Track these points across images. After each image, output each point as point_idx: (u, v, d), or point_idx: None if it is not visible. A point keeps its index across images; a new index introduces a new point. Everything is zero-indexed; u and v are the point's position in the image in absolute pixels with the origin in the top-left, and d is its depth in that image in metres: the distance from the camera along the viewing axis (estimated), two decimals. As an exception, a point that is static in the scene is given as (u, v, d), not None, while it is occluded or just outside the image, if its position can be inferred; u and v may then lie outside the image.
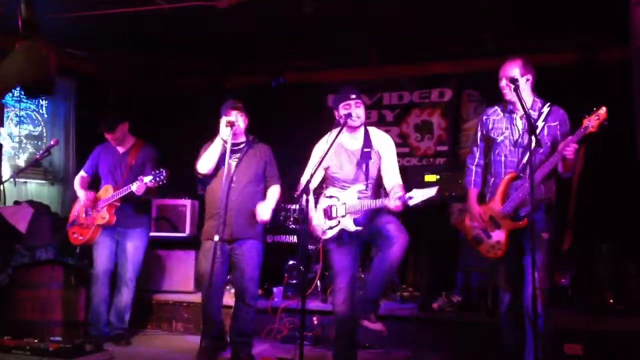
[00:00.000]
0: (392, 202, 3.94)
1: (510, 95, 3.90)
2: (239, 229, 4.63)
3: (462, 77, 7.20)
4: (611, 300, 5.37)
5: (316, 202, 4.35)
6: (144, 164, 5.32)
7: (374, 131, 4.35)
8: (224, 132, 4.58)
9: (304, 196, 3.92)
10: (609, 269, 5.55)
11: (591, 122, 3.65)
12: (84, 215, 5.32)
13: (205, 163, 4.67)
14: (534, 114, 3.92)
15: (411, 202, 3.91)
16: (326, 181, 4.42)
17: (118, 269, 5.35)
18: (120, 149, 5.43)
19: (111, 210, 5.22)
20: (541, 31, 6.06)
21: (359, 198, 4.16)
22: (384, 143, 4.29)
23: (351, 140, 4.29)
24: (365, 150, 4.22)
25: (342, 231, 4.20)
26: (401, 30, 6.26)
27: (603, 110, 3.65)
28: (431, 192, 3.90)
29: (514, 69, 3.90)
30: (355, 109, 4.17)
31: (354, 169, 4.23)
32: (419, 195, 3.91)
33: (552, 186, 3.97)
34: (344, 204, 4.18)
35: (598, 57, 6.38)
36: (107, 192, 5.27)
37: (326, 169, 4.34)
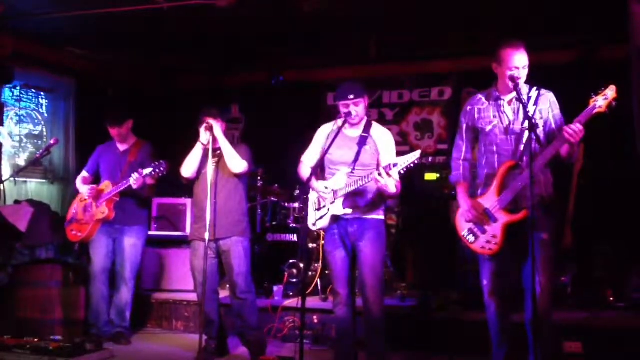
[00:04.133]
0: (376, 173, 3.87)
1: (521, 85, 3.71)
2: (223, 229, 4.74)
3: (461, 76, 7.21)
4: (611, 298, 5.37)
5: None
6: (143, 161, 5.31)
7: (375, 125, 4.36)
8: (203, 136, 4.74)
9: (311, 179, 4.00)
10: (609, 266, 5.56)
11: (599, 102, 3.43)
12: (82, 212, 5.32)
13: (187, 168, 4.84)
14: (523, 98, 3.73)
15: (396, 169, 3.83)
16: (323, 172, 4.43)
17: (116, 267, 5.35)
18: (121, 147, 5.45)
19: (110, 205, 5.21)
20: (541, 28, 6.05)
21: (347, 180, 4.15)
22: (382, 135, 4.28)
23: (352, 130, 4.30)
24: (362, 135, 4.23)
25: (332, 220, 4.20)
26: (401, 28, 6.27)
27: (612, 89, 3.41)
28: (414, 155, 3.78)
29: (524, 57, 3.70)
30: (354, 108, 4.17)
31: (347, 152, 4.22)
32: (402, 161, 3.81)
33: (550, 180, 3.78)
34: (332, 190, 4.20)
35: (598, 54, 6.38)
36: (106, 187, 5.28)
37: (324, 153, 4.34)
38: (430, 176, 6.19)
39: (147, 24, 5.99)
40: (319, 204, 4.29)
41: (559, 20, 5.83)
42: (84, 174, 5.53)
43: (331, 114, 7.44)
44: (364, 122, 4.29)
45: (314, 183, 4.33)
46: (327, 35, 6.46)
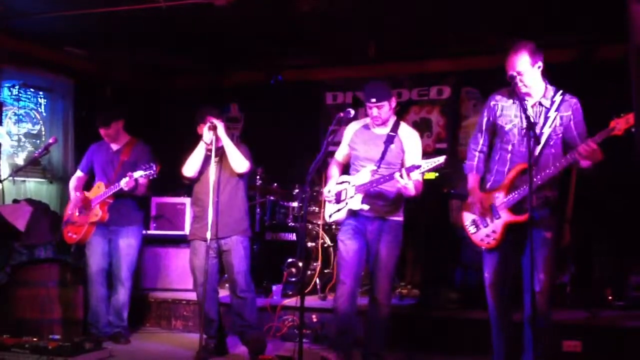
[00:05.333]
0: (397, 174, 3.95)
1: (524, 89, 3.73)
2: (225, 228, 4.76)
3: (460, 75, 7.22)
4: (610, 297, 5.37)
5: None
6: (137, 161, 5.27)
7: (404, 124, 4.44)
8: (207, 136, 4.74)
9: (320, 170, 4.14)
10: (608, 265, 5.55)
11: (619, 125, 3.46)
12: (77, 214, 5.30)
13: (190, 167, 4.84)
14: (547, 102, 3.77)
15: (418, 171, 3.92)
16: (350, 167, 4.51)
17: (113, 268, 5.32)
18: (114, 146, 5.41)
19: (104, 208, 5.19)
20: (540, 28, 6.05)
21: (371, 177, 4.21)
22: (409, 136, 4.36)
23: (379, 128, 4.39)
24: (390, 134, 4.31)
25: (349, 214, 4.28)
26: (400, 27, 6.26)
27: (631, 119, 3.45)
28: (438, 160, 3.86)
29: (522, 60, 3.69)
30: (376, 110, 4.26)
31: (373, 149, 4.30)
32: (425, 164, 3.89)
33: (557, 183, 3.84)
34: (354, 185, 4.27)
35: (598, 54, 6.38)
36: (99, 189, 5.25)
37: (350, 149, 4.47)
38: (429, 175, 6.16)
39: (145, 23, 5.98)
40: (339, 197, 4.33)
41: (559, 20, 5.83)
42: (79, 173, 5.51)
43: (330, 114, 7.46)
44: (392, 121, 4.39)
45: (331, 181, 4.45)
46: (326, 34, 6.46)
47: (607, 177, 5.84)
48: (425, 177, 6.19)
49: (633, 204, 5.82)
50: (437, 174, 6.29)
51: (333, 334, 4.47)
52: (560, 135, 3.77)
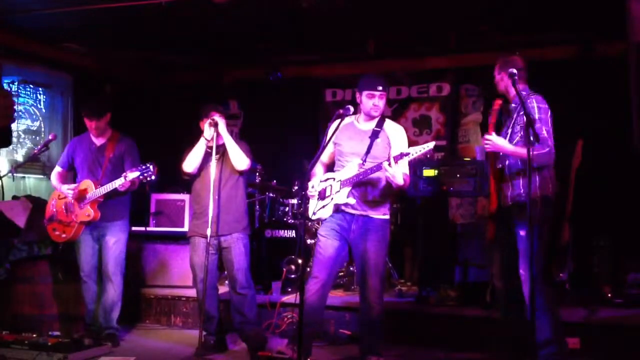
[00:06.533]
0: (385, 163, 3.95)
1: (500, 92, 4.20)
2: (225, 225, 4.76)
3: (460, 72, 7.21)
4: (609, 294, 5.38)
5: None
6: (122, 156, 5.12)
7: (388, 120, 4.43)
8: (208, 132, 4.73)
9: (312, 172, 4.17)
10: (607, 262, 5.56)
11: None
12: (64, 212, 5.09)
13: (190, 163, 4.81)
14: (515, 107, 4.06)
15: (407, 159, 3.94)
16: (334, 164, 4.47)
17: (102, 266, 5.16)
18: (98, 141, 5.19)
19: (94, 206, 4.98)
20: (540, 25, 6.06)
21: (357, 170, 4.19)
22: (395, 130, 4.35)
23: (365, 124, 4.37)
24: (375, 129, 4.30)
25: (335, 210, 4.24)
26: (399, 24, 6.26)
27: (496, 104, 4.09)
28: (427, 146, 3.91)
29: (495, 70, 4.19)
30: (379, 100, 4.26)
31: (359, 144, 4.27)
32: (414, 151, 3.93)
33: (537, 179, 3.96)
34: (340, 180, 4.24)
35: (597, 50, 6.38)
36: (88, 186, 5.02)
37: (335, 145, 4.41)
38: (429, 172, 6.17)
39: (145, 19, 5.98)
40: (324, 193, 4.30)
41: (559, 17, 5.83)
42: (58, 169, 5.30)
43: (329, 111, 7.46)
44: (377, 119, 4.36)
45: (314, 178, 4.40)
46: (325, 31, 6.46)
47: (606, 173, 5.87)
48: (424, 175, 6.23)
49: (631, 200, 5.83)
50: (436, 171, 6.29)
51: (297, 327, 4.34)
52: (522, 134, 3.95)
